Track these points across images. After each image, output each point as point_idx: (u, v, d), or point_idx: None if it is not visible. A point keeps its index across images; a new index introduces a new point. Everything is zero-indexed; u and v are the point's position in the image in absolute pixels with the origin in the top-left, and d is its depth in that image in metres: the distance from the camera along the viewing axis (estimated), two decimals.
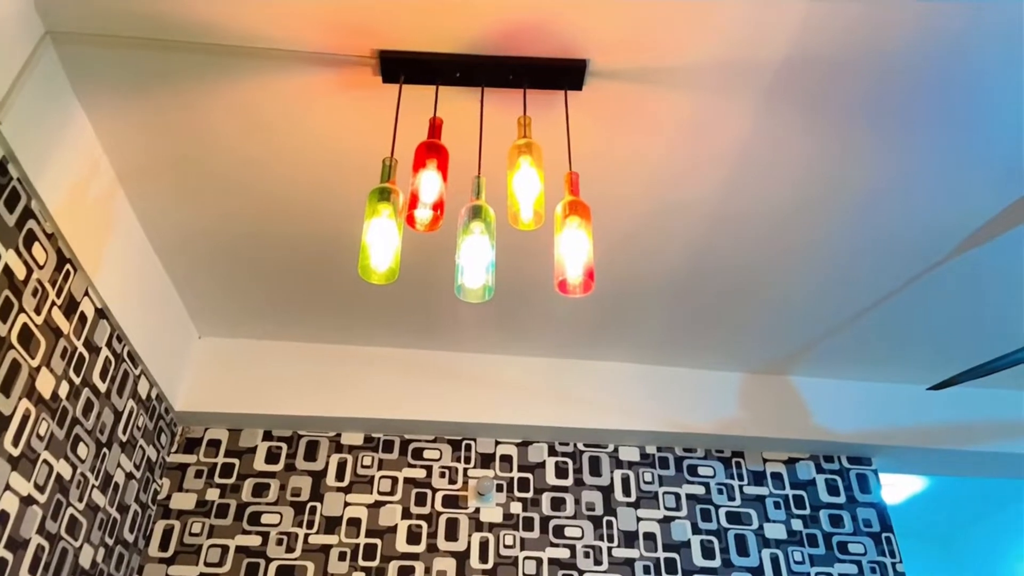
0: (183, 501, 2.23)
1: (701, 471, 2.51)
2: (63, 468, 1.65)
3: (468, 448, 2.45)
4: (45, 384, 1.56)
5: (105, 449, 1.85)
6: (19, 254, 1.43)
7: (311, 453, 2.37)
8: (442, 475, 2.39)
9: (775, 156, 1.70)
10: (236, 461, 2.32)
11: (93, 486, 1.80)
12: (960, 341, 2.40)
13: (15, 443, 1.46)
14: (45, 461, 1.58)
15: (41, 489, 1.57)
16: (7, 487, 1.45)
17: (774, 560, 2.35)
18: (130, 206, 1.84)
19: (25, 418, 1.49)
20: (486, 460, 2.44)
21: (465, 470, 2.41)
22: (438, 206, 1.29)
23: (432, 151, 1.34)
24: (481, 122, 1.46)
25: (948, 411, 2.59)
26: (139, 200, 1.83)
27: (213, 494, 2.25)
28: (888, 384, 2.64)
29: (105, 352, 1.82)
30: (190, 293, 2.21)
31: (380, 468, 2.37)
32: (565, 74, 1.49)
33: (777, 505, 2.47)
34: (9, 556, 1.47)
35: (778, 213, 1.87)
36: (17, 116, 1.34)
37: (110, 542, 1.91)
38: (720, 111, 1.58)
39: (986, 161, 1.70)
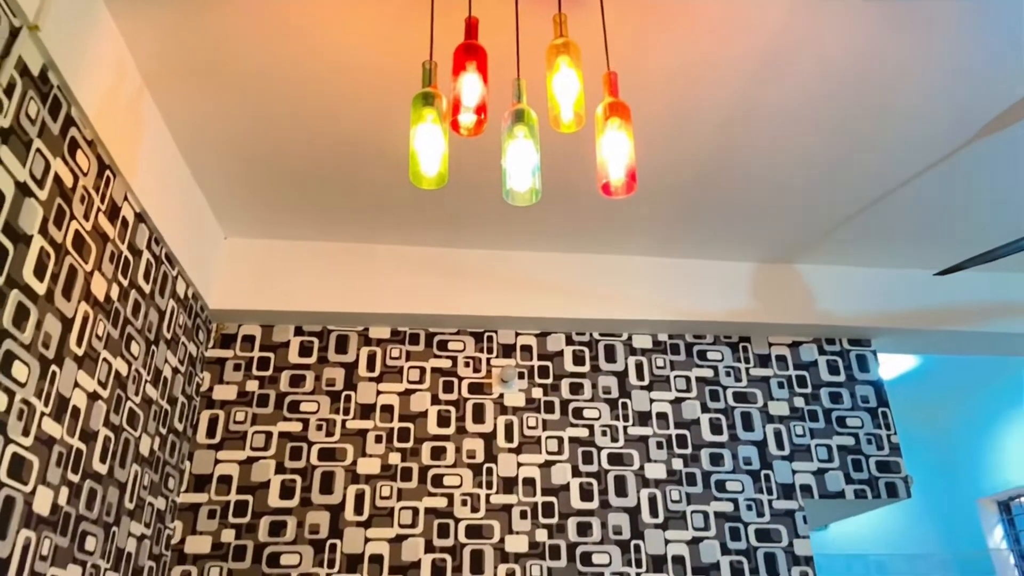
0: (225, 392, 2.36)
1: (710, 355, 2.65)
2: (120, 365, 1.75)
3: (490, 339, 2.57)
4: (99, 287, 1.63)
5: (153, 346, 1.94)
6: (65, 162, 1.46)
7: (342, 346, 2.49)
8: (466, 364, 2.52)
9: (801, 50, 1.70)
10: (271, 355, 2.44)
11: (146, 381, 1.91)
12: (965, 228, 2.49)
13: (78, 343, 1.55)
14: (104, 359, 1.67)
15: (104, 385, 1.67)
16: (76, 384, 1.55)
17: (777, 434, 2.54)
18: (157, 109, 1.84)
19: (85, 320, 1.57)
20: (507, 350, 2.56)
21: (488, 359, 2.54)
22: (481, 109, 1.31)
23: (470, 53, 1.34)
24: (516, 18, 1.45)
25: (944, 294, 2.71)
26: (165, 103, 1.83)
27: (252, 385, 2.38)
28: (890, 270, 2.75)
29: (146, 255, 1.87)
30: (215, 195, 2.24)
31: (408, 359, 2.50)
32: None
33: (781, 385, 2.63)
34: (83, 446, 1.59)
35: (797, 106, 1.89)
36: (53, 21, 1.33)
37: (164, 431, 2.05)
38: (752, 5, 1.57)
39: (1005, 50, 1.71)
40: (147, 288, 1.89)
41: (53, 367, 1.45)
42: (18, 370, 1.33)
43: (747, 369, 2.65)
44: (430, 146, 1.29)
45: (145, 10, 1.54)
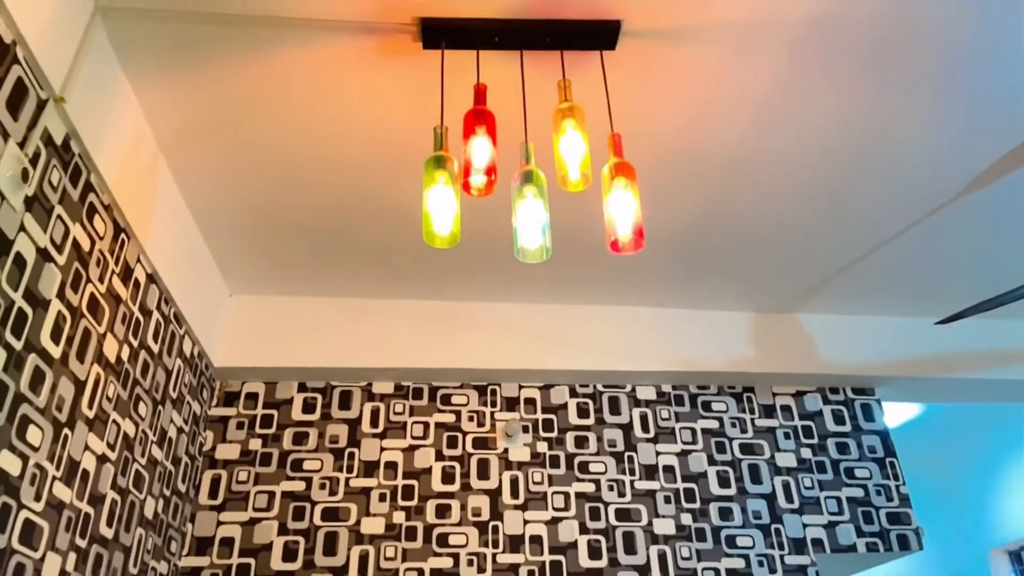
0: (227, 452, 2.35)
1: (715, 406, 2.65)
2: (128, 427, 1.75)
3: (493, 393, 2.57)
4: (111, 348, 1.64)
5: (160, 406, 1.94)
6: (83, 226, 1.49)
7: (345, 402, 2.48)
8: (471, 419, 2.51)
9: (794, 105, 1.76)
10: (275, 412, 2.43)
11: (152, 442, 1.90)
12: (963, 277, 2.53)
13: (90, 406, 1.55)
14: (114, 421, 1.67)
15: (112, 447, 1.67)
16: (86, 447, 1.54)
17: (785, 486, 2.52)
18: (171, 174, 1.88)
19: (97, 382, 1.58)
20: (511, 403, 2.56)
21: (492, 413, 2.53)
22: (491, 170, 1.35)
23: (480, 118, 1.39)
24: (523, 84, 1.51)
25: (946, 342, 2.73)
26: (178, 168, 1.87)
27: (255, 444, 2.37)
28: (891, 318, 2.78)
29: (156, 315, 1.89)
30: (222, 253, 2.27)
31: (412, 414, 2.49)
32: (600, 35, 1.53)
33: (787, 435, 2.63)
34: (91, 510, 1.58)
35: (793, 159, 1.95)
36: (78, 93, 1.38)
37: (167, 493, 2.02)
38: (746, 64, 1.64)
39: (994, 107, 1.78)
40: (155, 348, 1.90)
41: (65, 430, 1.45)
42: (32, 434, 1.33)
43: (752, 420, 2.65)
44: (442, 207, 1.33)
45: (163, 82, 1.60)
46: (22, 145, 1.26)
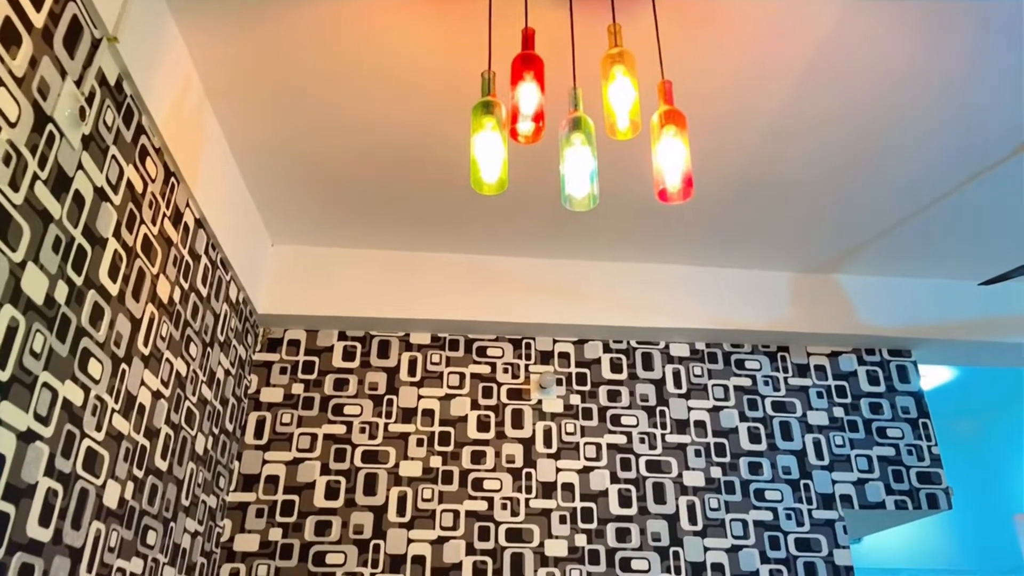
0: (271, 395, 2.42)
1: (748, 364, 2.66)
2: (180, 365, 1.81)
3: (528, 346, 2.60)
4: (163, 289, 1.69)
5: (208, 348, 2.00)
6: (136, 168, 1.52)
7: (383, 351, 2.53)
8: (505, 371, 2.55)
9: (846, 59, 1.72)
10: (316, 359, 2.49)
11: (202, 381, 1.96)
12: (1008, 240, 2.47)
13: (145, 343, 1.61)
14: (167, 359, 1.73)
15: (166, 384, 1.73)
16: (142, 383, 1.60)
17: (816, 444, 2.54)
18: (216, 119, 1.91)
19: (151, 321, 1.63)
20: (545, 357, 2.59)
21: (527, 366, 2.57)
22: (538, 117, 1.35)
23: (528, 63, 1.38)
24: (572, 29, 1.49)
25: (987, 305, 2.69)
26: (223, 114, 1.89)
27: (298, 388, 2.44)
28: (932, 280, 2.74)
29: (204, 260, 1.94)
30: (265, 202, 2.30)
31: (448, 365, 2.53)
32: None
33: (820, 395, 2.63)
34: (147, 443, 1.64)
35: (841, 116, 1.91)
36: (129, 34, 1.40)
37: (216, 431, 2.10)
38: (802, 14, 1.60)
39: None
40: (204, 292, 1.95)
41: (123, 365, 1.51)
42: (93, 367, 1.39)
43: (785, 379, 2.65)
44: (490, 153, 1.33)
45: (210, 24, 1.61)
46: (79, 84, 1.29)
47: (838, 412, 2.61)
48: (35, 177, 1.19)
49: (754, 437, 2.53)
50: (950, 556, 4.26)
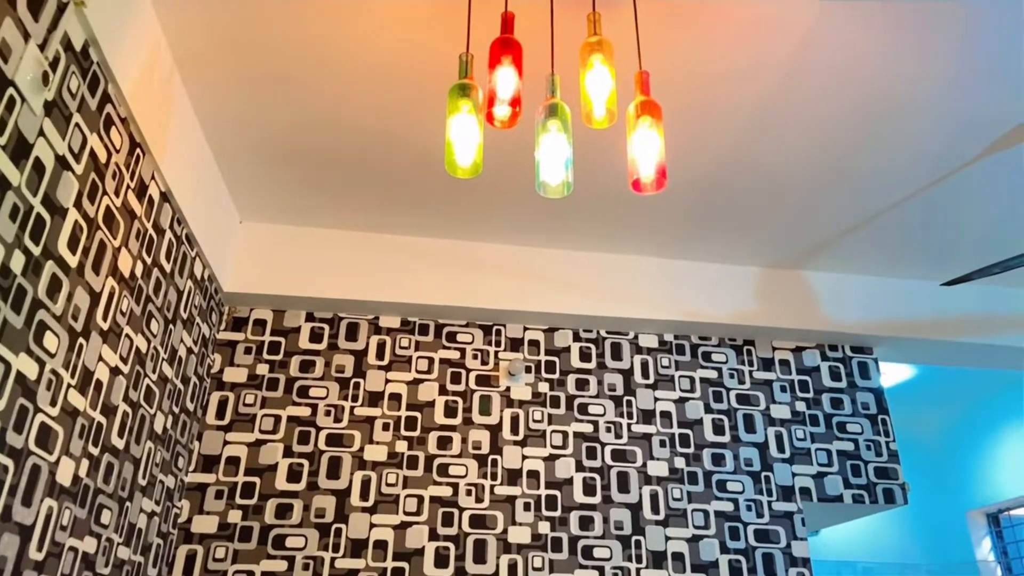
0: (235, 375, 2.38)
1: (715, 357, 2.69)
2: (140, 342, 1.77)
3: (498, 333, 2.60)
4: (125, 263, 1.65)
5: (171, 325, 1.96)
6: (100, 137, 1.48)
7: (352, 334, 2.51)
8: (475, 357, 2.54)
9: (822, 59, 1.73)
10: (282, 339, 2.46)
11: (163, 359, 1.92)
12: (971, 241, 2.53)
13: (104, 318, 1.57)
14: (127, 335, 1.69)
15: (124, 361, 1.69)
16: (100, 358, 1.57)
17: (778, 437, 2.58)
18: (185, 91, 1.86)
19: (111, 295, 1.59)
20: (515, 344, 2.59)
21: (496, 352, 2.56)
22: (515, 102, 1.34)
23: (507, 47, 1.36)
24: (552, 15, 1.48)
25: (948, 305, 2.76)
26: (193, 84, 1.85)
27: (263, 369, 2.40)
28: (894, 279, 2.79)
29: (169, 234, 1.89)
30: (233, 178, 2.26)
31: (417, 349, 2.52)
32: None
33: (783, 389, 2.67)
34: (104, 420, 1.61)
35: (814, 115, 1.93)
36: None
37: (176, 411, 2.06)
38: (783, 12, 1.60)
39: (1016, 69, 1.76)
40: (168, 267, 1.91)
41: (80, 339, 1.47)
42: (49, 340, 1.35)
43: (751, 372, 2.68)
44: (465, 136, 1.31)
45: None
46: (42, 48, 1.24)
47: (800, 406, 2.65)
48: None
49: (718, 429, 2.56)
50: (904, 550, 4.38)
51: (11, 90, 1.18)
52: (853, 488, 2.54)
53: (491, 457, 2.38)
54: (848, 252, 2.64)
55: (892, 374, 3.86)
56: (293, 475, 2.26)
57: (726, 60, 1.74)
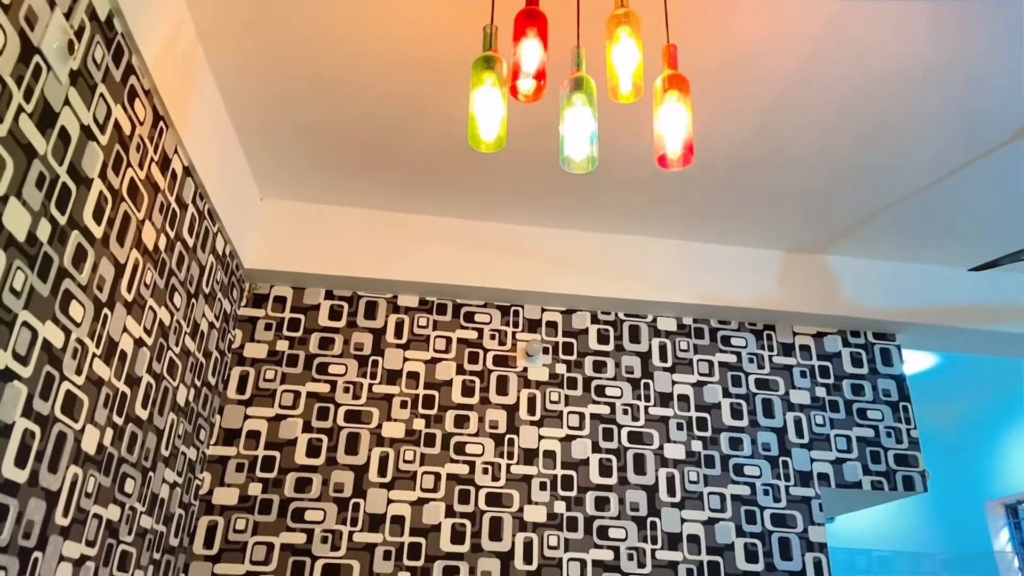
0: (255, 351, 2.40)
1: (734, 341, 2.67)
2: (163, 314, 1.78)
3: (516, 314, 2.59)
4: (148, 236, 1.66)
5: (193, 300, 1.98)
6: (124, 109, 1.48)
7: (370, 312, 2.51)
8: (492, 337, 2.54)
9: (850, 41, 1.70)
10: (302, 316, 2.47)
11: (185, 332, 1.94)
12: (1000, 226, 2.48)
13: (128, 290, 1.58)
14: (151, 307, 1.70)
15: (148, 332, 1.71)
16: (124, 329, 1.58)
17: (797, 422, 2.56)
18: (208, 65, 1.86)
19: (135, 267, 1.60)
20: (533, 325, 2.58)
21: (514, 333, 2.56)
22: (540, 75, 1.32)
23: (531, 19, 1.34)
24: None
25: (972, 293, 2.71)
26: (215, 59, 1.84)
27: (282, 345, 2.42)
28: (918, 265, 2.75)
29: (191, 209, 1.90)
30: (255, 155, 2.26)
31: (435, 329, 2.52)
32: None
33: (803, 374, 2.65)
34: (128, 390, 1.63)
35: (840, 98, 1.89)
36: None
37: (198, 384, 2.08)
38: None
39: None
40: (190, 242, 1.92)
41: (105, 310, 1.48)
42: (75, 310, 1.36)
43: (770, 357, 2.66)
44: (489, 110, 1.30)
45: None
46: (68, 16, 1.25)
47: (820, 392, 2.63)
48: (20, 110, 1.15)
49: (736, 413, 2.55)
50: (921, 540, 4.35)
51: (37, 58, 1.18)
52: (872, 475, 2.52)
53: (508, 436, 2.38)
54: (872, 236, 2.60)
55: (912, 363, 3.81)
56: (312, 450, 2.28)
57: (754, 38, 1.71)
